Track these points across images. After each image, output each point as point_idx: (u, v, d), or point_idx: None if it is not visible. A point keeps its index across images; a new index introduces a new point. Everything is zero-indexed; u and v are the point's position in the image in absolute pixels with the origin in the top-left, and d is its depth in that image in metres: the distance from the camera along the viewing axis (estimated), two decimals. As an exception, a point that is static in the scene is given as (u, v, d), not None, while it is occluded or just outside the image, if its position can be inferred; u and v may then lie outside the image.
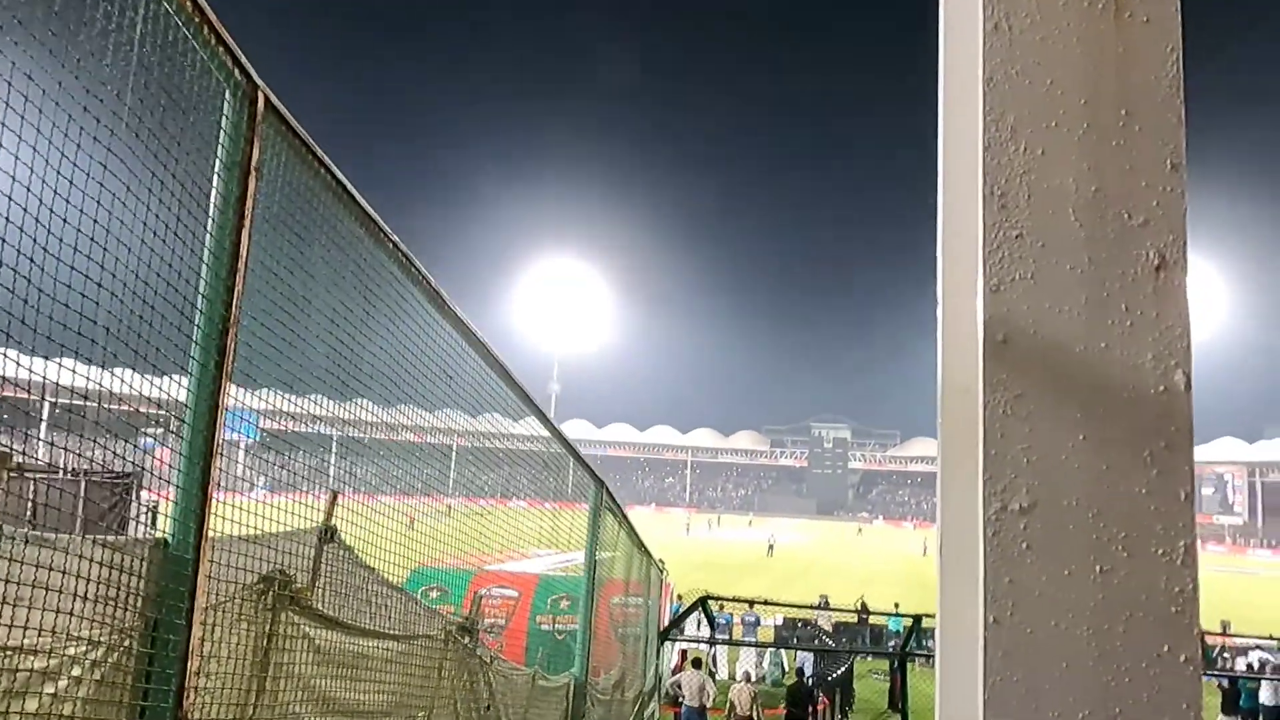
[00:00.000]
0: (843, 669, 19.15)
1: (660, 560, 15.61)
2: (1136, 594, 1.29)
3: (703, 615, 15.49)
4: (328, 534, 3.07)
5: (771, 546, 62.02)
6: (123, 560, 2.05)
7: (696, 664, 15.94)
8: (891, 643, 23.88)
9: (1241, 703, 18.11)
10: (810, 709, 15.98)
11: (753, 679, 17.44)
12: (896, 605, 26.55)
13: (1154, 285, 1.34)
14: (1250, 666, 20.15)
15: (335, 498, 3.17)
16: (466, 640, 4.31)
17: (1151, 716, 1.27)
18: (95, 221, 1.91)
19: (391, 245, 3.38)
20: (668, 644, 15.72)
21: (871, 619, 25.49)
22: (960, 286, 1.44)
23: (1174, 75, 1.39)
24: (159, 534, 2.25)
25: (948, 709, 1.38)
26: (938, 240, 1.51)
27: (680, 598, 24.22)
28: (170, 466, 2.26)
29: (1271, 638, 20.33)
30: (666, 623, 15.59)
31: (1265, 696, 18.31)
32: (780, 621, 26.06)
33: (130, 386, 2.11)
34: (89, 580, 1.92)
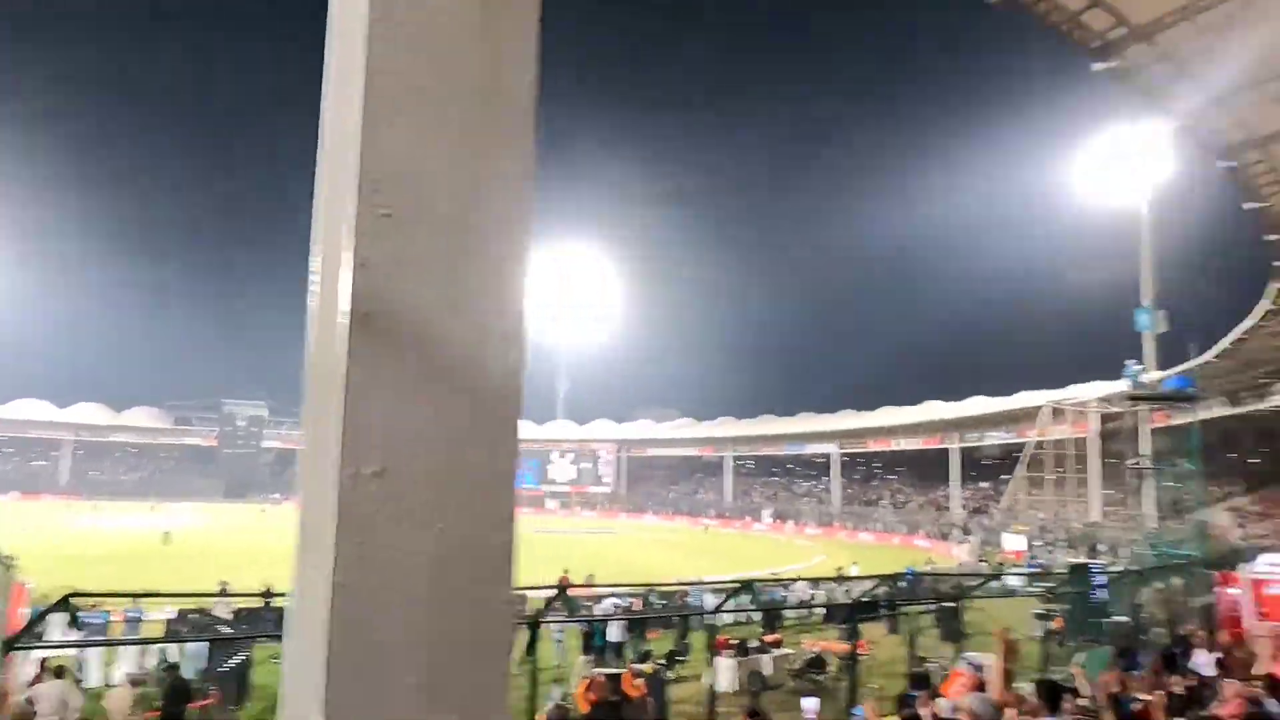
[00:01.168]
0: (240, 658, 18.16)
1: (8, 556, 13.11)
2: (467, 550, 1.44)
3: (67, 617, 13.35)
4: None
5: (168, 533, 56.10)
6: None
7: (59, 673, 13.71)
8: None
9: (595, 641, 21.73)
10: (189, 704, 14.76)
11: (135, 682, 15.57)
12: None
13: (500, 275, 1.52)
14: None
15: None
16: None
17: (474, 654, 1.44)
18: None
19: None
20: (18, 655, 13.25)
21: (276, 601, 24.61)
22: (332, 261, 1.46)
23: (530, 84, 1.59)
24: None
25: (293, 677, 1.40)
26: (314, 214, 1.52)
27: (46, 598, 20.58)
28: None
29: (619, 584, 24.73)
30: (18, 630, 13.12)
31: (613, 635, 22.39)
32: (175, 615, 23.71)
33: None
34: None
